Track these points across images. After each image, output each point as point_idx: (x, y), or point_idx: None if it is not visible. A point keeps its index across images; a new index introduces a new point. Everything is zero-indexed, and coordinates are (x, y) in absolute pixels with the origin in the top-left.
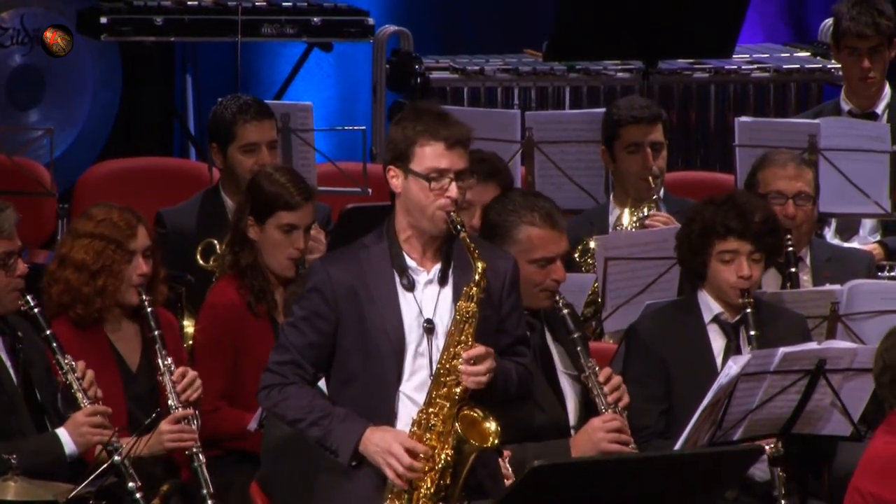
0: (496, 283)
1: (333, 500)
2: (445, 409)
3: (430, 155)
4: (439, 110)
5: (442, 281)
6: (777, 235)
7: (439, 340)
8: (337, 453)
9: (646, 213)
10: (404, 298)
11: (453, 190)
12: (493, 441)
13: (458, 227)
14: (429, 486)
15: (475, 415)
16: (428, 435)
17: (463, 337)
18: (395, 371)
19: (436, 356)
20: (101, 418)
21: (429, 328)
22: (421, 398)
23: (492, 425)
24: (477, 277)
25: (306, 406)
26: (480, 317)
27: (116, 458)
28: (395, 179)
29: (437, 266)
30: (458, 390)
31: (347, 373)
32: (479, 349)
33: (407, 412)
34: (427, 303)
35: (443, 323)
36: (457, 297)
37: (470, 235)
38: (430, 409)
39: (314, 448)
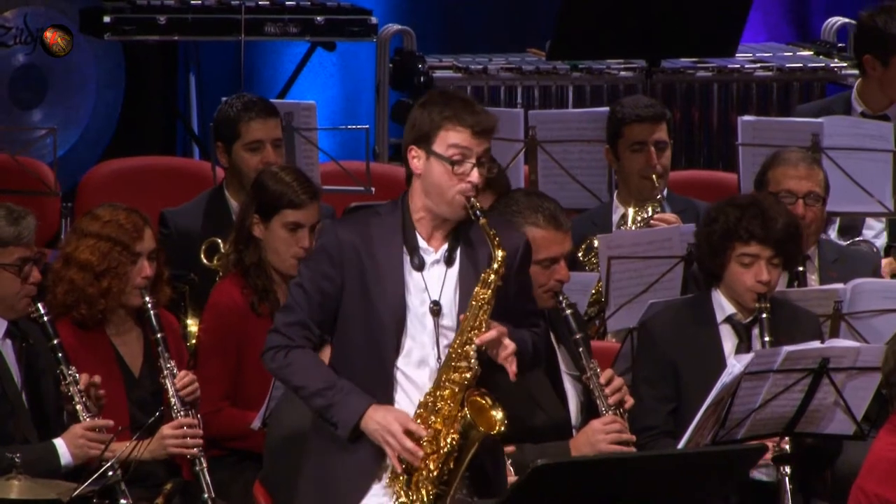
0: (507, 261)
1: (329, 471)
2: (454, 393)
3: (456, 139)
4: (466, 97)
5: (448, 261)
6: (797, 242)
7: (444, 321)
8: (337, 426)
9: (650, 213)
10: (411, 277)
11: (475, 175)
12: (499, 429)
13: (478, 212)
14: (431, 469)
15: (484, 402)
16: (433, 418)
17: (477, 322)
18: (394, 343)
19: (441, 338)
20: (100, 432)
21: (435, 310)
22: (418, 376)
23: (499, 413)
24: (496, 265)
25: (312, 373)
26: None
27: (111, 472)
28: (417, 160)
29: (445, 246)
30: (468, 375)
31: (346, 339)
32: (492, 333)
33: (403, 388)
34: (433, 283)
35: (447, 304)
36: (462, 277)
37: (487, 217)
38: (439, 392)
39: (316, 443)
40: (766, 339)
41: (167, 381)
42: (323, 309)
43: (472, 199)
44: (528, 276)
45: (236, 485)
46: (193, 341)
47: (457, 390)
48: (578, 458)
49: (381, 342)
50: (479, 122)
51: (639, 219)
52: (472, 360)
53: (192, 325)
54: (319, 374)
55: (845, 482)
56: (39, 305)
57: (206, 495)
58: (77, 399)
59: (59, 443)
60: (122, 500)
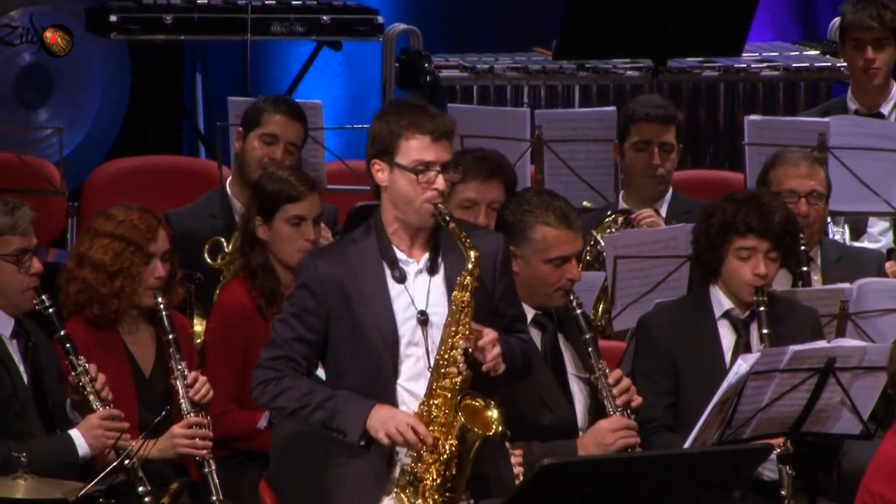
0: (487, 267)
1: (337, 487)
2: (447, 399)
3: (416, 148)
4: (421, 103)
5: (431, 270)
6: (794, 237)
7: (434, 331)
8: (345, 433)
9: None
10: (395, 291)
11: (440, 182)
12: (496, 428)
13: (447, 218)
14: (434, 477)
15: (476, 404)
16: (430, 426)
17: (460, 327)
18: (391, 365)
19: (432, 347)
20: (115, 421)
21: (423, 320)
22: (416, 388)
23: (493, 413)
24: (470, 266)
25: (307, 392)
26: (474, 303)
27: (127, 462)
28: (381, 173)
29: (426, 255)
30: (458, 380)
31: (341, 366)
32: (490, 335)
33: (405, 402)
34: (419, 294)
35: (436, 313)
36: (448, 284)
37: (458, 223)
38: (432, 401)
39: (321, 443)
40: (765, 331)
41: (178, 382)
42: (309, 343)
43: (440, 205)
44: (511, 277)
45: (242, 485)
46: (199, 341)
47: (449, 396)
48: (585, 458)
49: (379, 366)
50: (437, 127)
51: (619, 219)
52: (461, 365)
53: (198, 325)
54: (315, 391)
55: (852, 482)
56: (44, 297)
57: (214, 497)
58: (89, 389)
59: (76, 434)
60: (140, 487)
